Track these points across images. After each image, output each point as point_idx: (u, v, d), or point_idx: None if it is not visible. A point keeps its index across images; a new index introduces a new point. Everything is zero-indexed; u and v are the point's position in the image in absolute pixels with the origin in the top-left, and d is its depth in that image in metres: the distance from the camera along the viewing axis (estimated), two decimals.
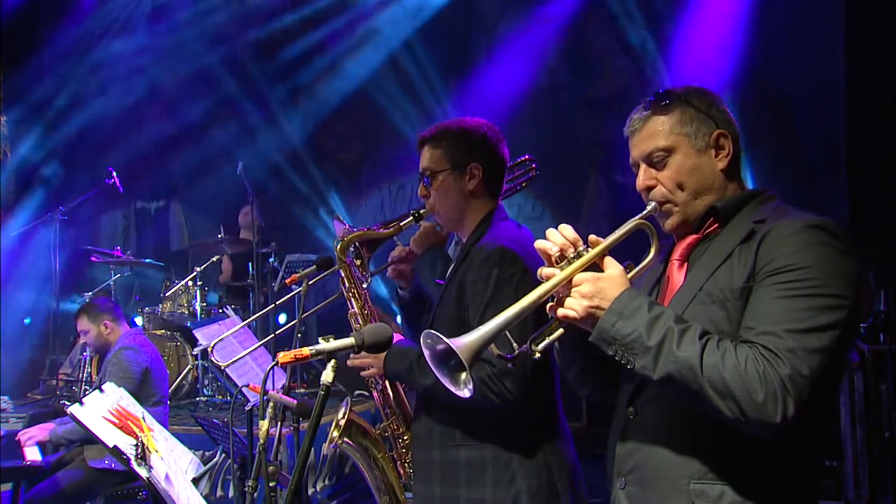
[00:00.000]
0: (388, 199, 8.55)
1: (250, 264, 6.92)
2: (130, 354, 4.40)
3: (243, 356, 3.34)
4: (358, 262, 2.59)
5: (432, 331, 1.61)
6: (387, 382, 2.56)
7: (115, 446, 2.71)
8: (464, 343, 1.57)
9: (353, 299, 2.59)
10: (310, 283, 2.78)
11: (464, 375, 1.61)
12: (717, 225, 1.74)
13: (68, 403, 3.40)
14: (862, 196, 6.27)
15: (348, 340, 1.72)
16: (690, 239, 1.77)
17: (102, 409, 2.92)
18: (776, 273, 1.55)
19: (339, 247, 2.54)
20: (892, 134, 6.17)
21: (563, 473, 2.28)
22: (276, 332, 3.04)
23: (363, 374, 2.49)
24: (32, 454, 4.29)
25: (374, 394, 2.61)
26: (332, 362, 1.68)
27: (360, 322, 2.58)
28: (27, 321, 7.60)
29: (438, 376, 1.62)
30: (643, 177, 1.77)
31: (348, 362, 2.45)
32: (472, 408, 2.19)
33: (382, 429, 2.62)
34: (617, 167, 7.31)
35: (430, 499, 2.34)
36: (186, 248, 7.93)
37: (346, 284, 2.59)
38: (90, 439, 3.55)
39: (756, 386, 1.46)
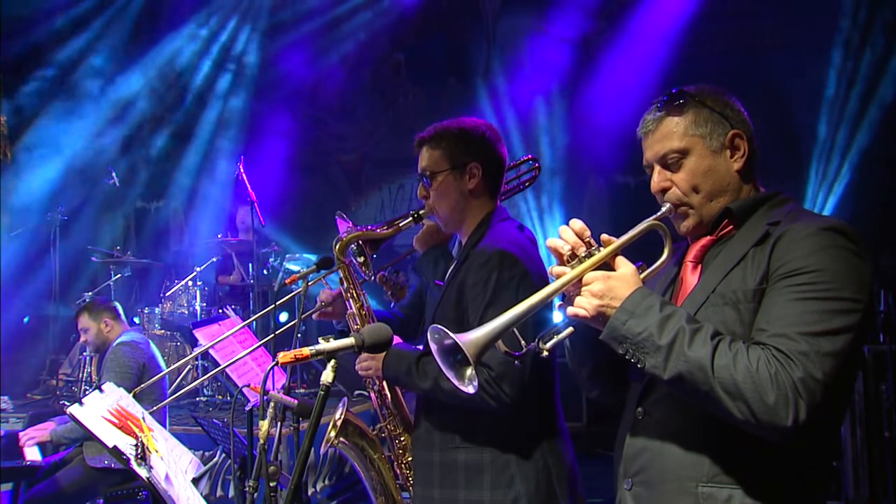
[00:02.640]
0: (388, 198, 8.55)
1: (250, 264, 6.92)
2: (127, 350, 4.40)
3: (243, 356, 3.34)
4: (360, 261, 2.59)
5: (439, 326, 1.61)
6: (384, 383, 2.56)
7: (114, 446, 2.70)
8: (470, 339, 1.57)
9: (350, 299, 2.59)
10: (310, 283, 2.77)
11: (469, 371, 1.60)
12: (731, 227, 1.73)
13: (68, 403, 3.40)
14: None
15: (348, 341, 1.72)
16: (705, 241, 1.76)
17: (102, 409, 2.91)
18: (790, 275, 1.54)
19: (337, 247, 2.54)
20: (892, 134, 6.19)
21: (562, 475, 2.27)
22: (276, 332, 3.03)
23: (362, 373, 2.49)
24: (32, 454, 4.29)
25: (372, 394, 2.61)
26: (332, 362, 1.67)
27: (358, 322, 2.57)
28: (26, 320, 7.61)
29: (444, 371, 1.61)
30: (658, 178, 1.75)
31: (357, 366, 2.46)
32: (471, 410, 2.19)
33: (380, 429, 2.62)
34: (618, 167, 7.33)
35: (430, 500, 2.34)
36: (186, 248, 7.94)
37: (345, 285, 2.59)
38: (90, 438, 3.54)
39: (767, 388, 1.45)
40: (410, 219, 2.50)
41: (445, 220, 2.44)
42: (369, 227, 2.56)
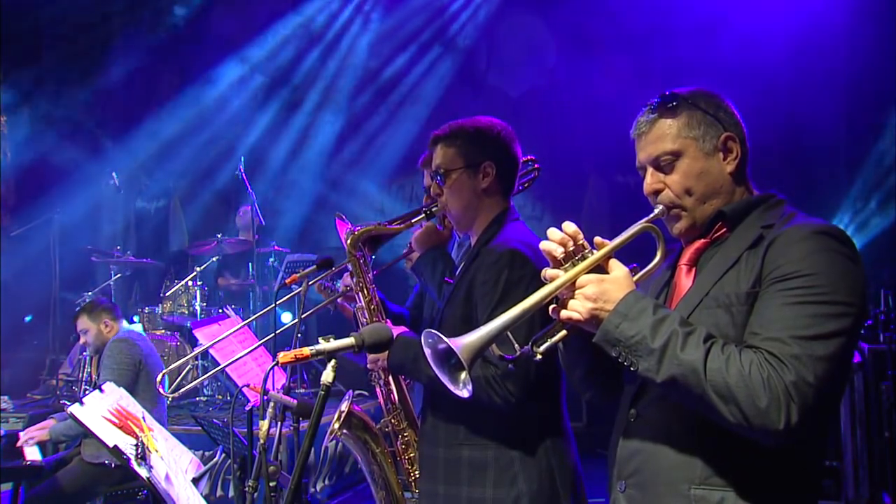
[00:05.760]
0: (389, 198, 8.56)
1: (250, 264, 6.92)
2: (124, 346, 4.42)
3: (242, 356, 3.34)
4: (361, 261, 2.59)
5: (433, 330, 1.61)
6: (391, 377, 2.57)
7: (115, 446, 2.71)
8: (464, 343, 1.57)
9: (360, 293, 2.60)
10: (310, 283, 2.78)
11: (463, 375, 1.60)
12: (725, 229, 1.73)
13: (68, 403, 3.40)
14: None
15: (348, 340, 1.73)
16: (699, 244, 1.76)
17: (102, 409, 2.92)
18: (783, 279, 1.54)
19: (349, 241, 2.55)
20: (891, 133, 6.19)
21: (565, 475, 2.28)
22: (276, 332, 3.04)
23: (370, 365, 2.50)
24: (32, 454, 4.30)
25: (377, 389, 2.62)
26: (332, 362, 1.68)
27: (367, 316, 2.58)
28: (28, 319, 7.61)
29: (439, 375, 1.62)
30: (650, 180, 1.75)
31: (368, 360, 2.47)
32: (476, 406, 2.20)
33: (384, 424, 2.62)
34: (617, 167, 7.32)
35: (434, 496, 2.35)
36: (186, 248, 7.95)
37: (355, 278, 2.60)
38: (88, 435, 3.54)
39: (760, 392, 1.45)
40: (423, 215, 2.51)
41: (457, 218, 2.45)
42: (381, 223, 2.57)
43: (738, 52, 6.49)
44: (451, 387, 1.61)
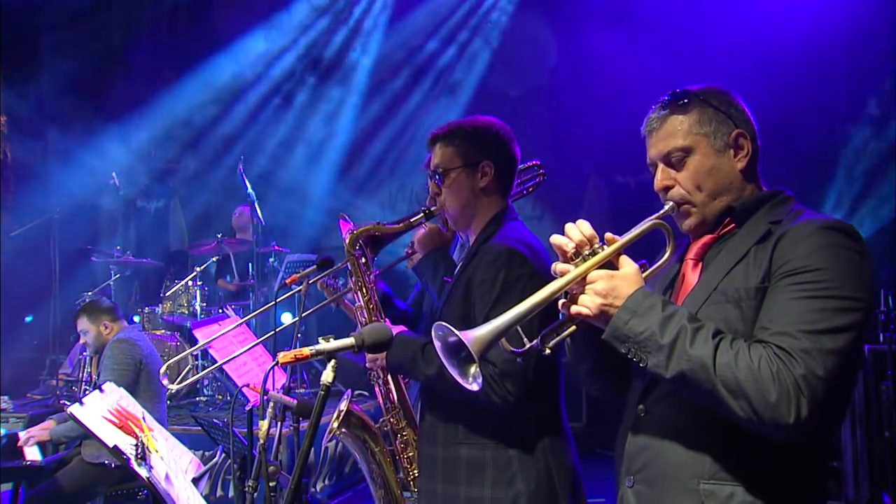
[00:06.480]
0: (389, 198, 8.56)
1: (250, 264, 6.92)
2: (124, 347, 4.41)
3: (238, 355, 3.34)
4: (362, 262, 2.59)
5: (443, 323, 1.61)
6: (389, 377, 2.57)
7: (115, 446, 2.71)
8: (475, 336, 1.57)
9: (359, 292, 2.60)
10: (310, 283, 2.78)
11: (473, 368, 1.60)
12: (733, 225, 1.73)
13: (68, 403, 3.40)
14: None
15: (348, 340, 1.73)
16: (706, 239, 1.76)
17: (102, 409, 2.92)
18: (792, 274, 1.55)
19: (348, 240, 2.55)
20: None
21: (564, 475, 2.27)
22: (276, 331, 3.04)
23: (368, 364, 2.50)
24: (32, 454, 4.29)
25: (376, 388, 2.62)
26: (332, 362, 1.68)
27: (366, 315, 2.58)
28: (28, 319, 7.61)
29: (448, 369, 1.61)
30: (661, 177, 1.76)
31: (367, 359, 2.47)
32: (474, 405, 2.20)
33: (382, 423, 2.62)
34: (617, 167, 7.32)
35: (433, 495, 2.35)
36: (186, 248, 7.95)
37: (354, 278, 2.60)
38: (89, 436, 3.54)
39: (769, 386, 1.45)
40: (422, 215, 2.51)
41: (455, 218, 2.45)
42: (381, 223, 2.57)
43: (738, 52, 6.49)
44: (460, 380, 1.61)
